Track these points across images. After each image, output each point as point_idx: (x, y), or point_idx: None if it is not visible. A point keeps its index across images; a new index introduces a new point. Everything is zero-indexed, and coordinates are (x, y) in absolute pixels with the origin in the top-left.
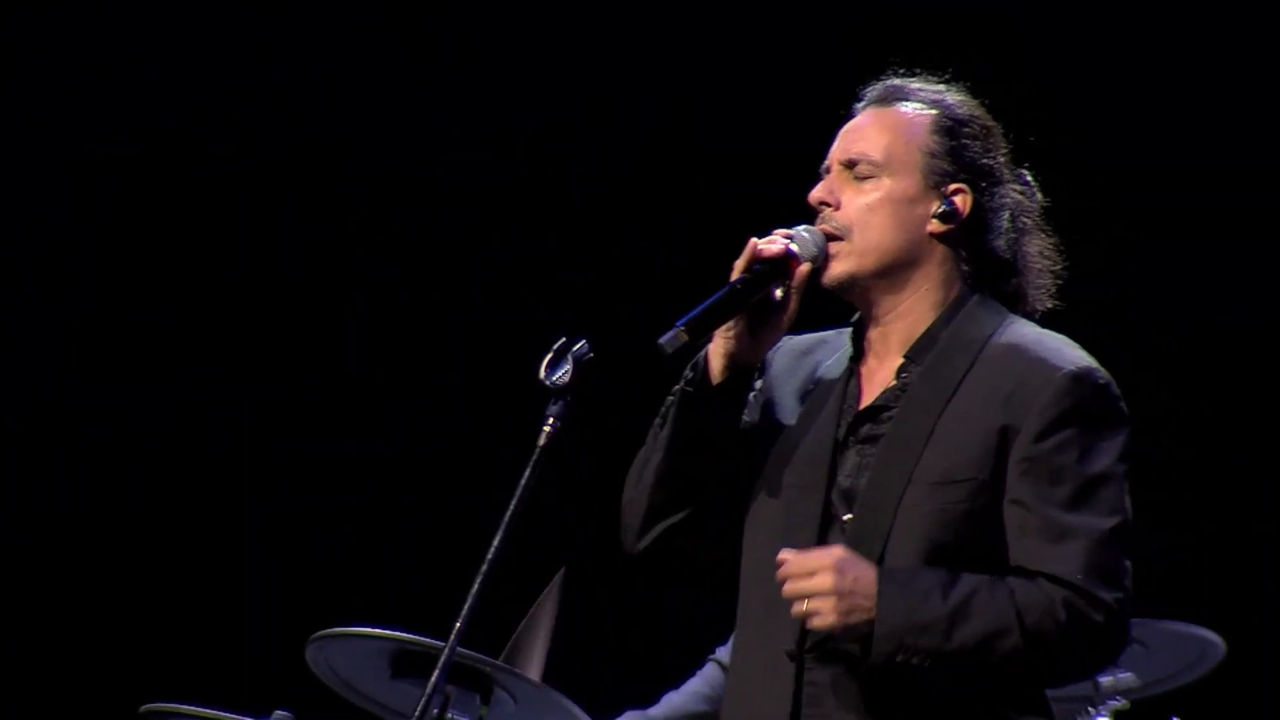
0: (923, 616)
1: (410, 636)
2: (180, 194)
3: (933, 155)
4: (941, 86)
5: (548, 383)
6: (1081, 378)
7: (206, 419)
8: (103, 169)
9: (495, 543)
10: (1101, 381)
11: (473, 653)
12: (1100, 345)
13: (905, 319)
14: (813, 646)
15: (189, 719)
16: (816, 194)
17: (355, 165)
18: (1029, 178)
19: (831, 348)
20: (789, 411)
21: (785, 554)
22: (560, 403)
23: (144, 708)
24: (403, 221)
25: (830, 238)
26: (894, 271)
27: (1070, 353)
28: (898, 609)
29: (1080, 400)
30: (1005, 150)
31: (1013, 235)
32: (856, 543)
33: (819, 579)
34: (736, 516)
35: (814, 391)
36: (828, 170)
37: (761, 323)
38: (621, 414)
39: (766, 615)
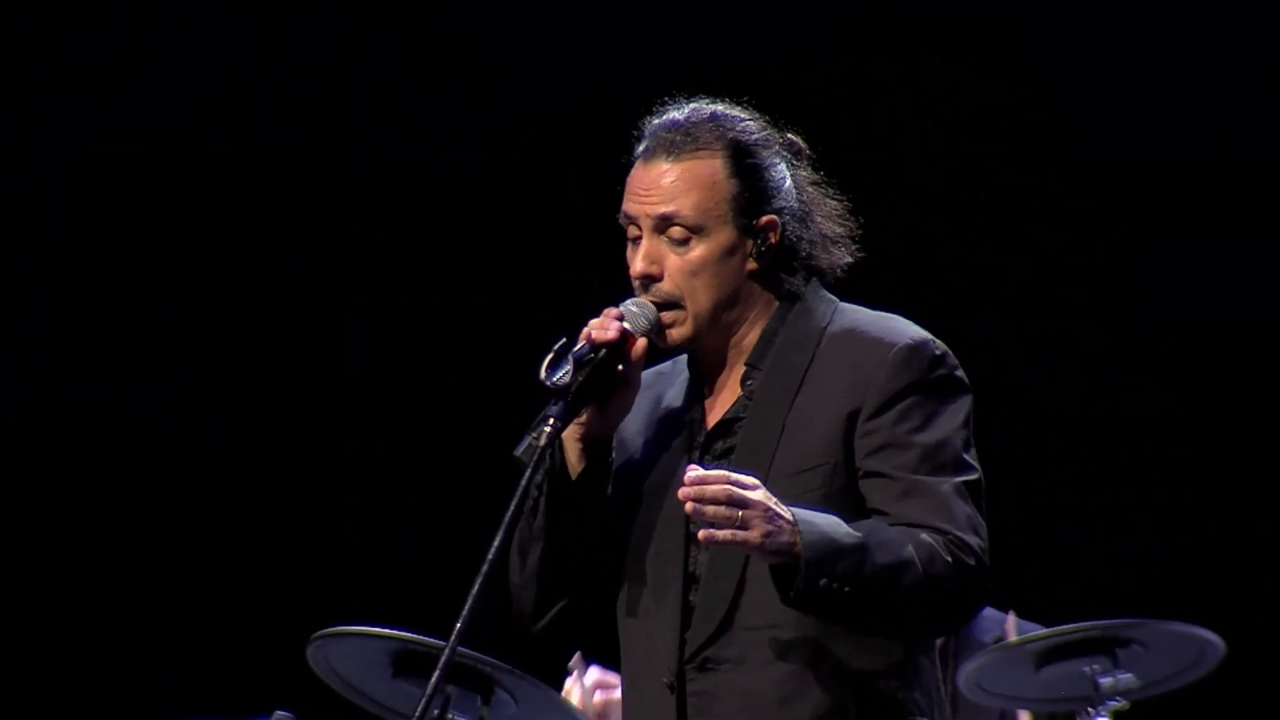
0: (838, 544)
1: (411, 636)
2: (180, 194)
3: (737, 200)
4: (716, 109)
5: (548, 383)
6: (916, 349)
7: (206, 419)
8: (103, 169)
9: (495, 543)
10: (937, 352)
11: (473, 653)
12: (1100, 345)
13: (742, 337)
14: (690, 658)
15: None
16: (639, 268)
17: (355, 165)
18: (793, 138)
19: (670, 378)
20: (640, 451)
21: (696, 472)
22: (560, 403)
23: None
24: (403, 221)
25: (660, 305)
26: (728, 315)
27: (905, 328)
28: (817, 535)
29: (917, 371)
30: (776, 139)
31: (810, 222)
32: (721, 557)
33: (759, 494)
34: (614, 566)
35: (660, 423)
36: (634, 227)
37: (607, 400)
38: None
39: (648, 645)
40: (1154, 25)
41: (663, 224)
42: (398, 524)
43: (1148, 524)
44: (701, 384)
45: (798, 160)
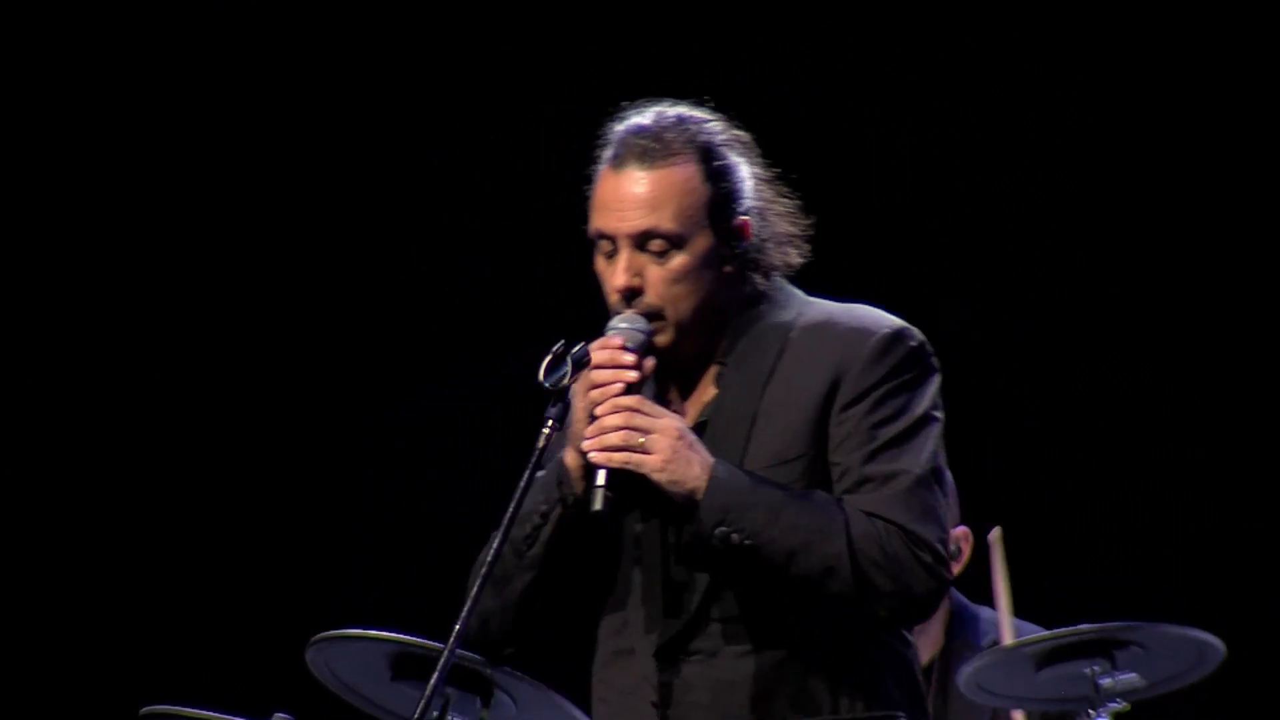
0: (753, 497)
1: (410, 639)
2: (180, 194)
3: (712, 204)
4: (681, 111)
5: (546, 385)
6: (896, 338)
7: (205, 419)
8: (104, 170)
9: (495, 545)
10: (914, 342)
11: (473, 654)
12: (1101, 345)
13: (716, 338)
14: (660, 650)
15: None
16: (622, 282)
17: (356, 165)
18: (741, 134)
19: None
20: None
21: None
22: (559, 405)
23: (145, 710)
24: (405, 221)
25: (647, 316)
26: (708, 320)
27: (881, 317)
28: (728, 482)
29: (894, 361)
30: (737, 137)
31: (767, 219)
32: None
33: (665, 421)
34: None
35: None
36: (608, 242)
37: None
38: None
39: (623, 644)
40: (1154, 25)
41: (643, 239)
42: (398, 524)
43: (1148, 524)
44: (670, 387)
45: (752, 159)
